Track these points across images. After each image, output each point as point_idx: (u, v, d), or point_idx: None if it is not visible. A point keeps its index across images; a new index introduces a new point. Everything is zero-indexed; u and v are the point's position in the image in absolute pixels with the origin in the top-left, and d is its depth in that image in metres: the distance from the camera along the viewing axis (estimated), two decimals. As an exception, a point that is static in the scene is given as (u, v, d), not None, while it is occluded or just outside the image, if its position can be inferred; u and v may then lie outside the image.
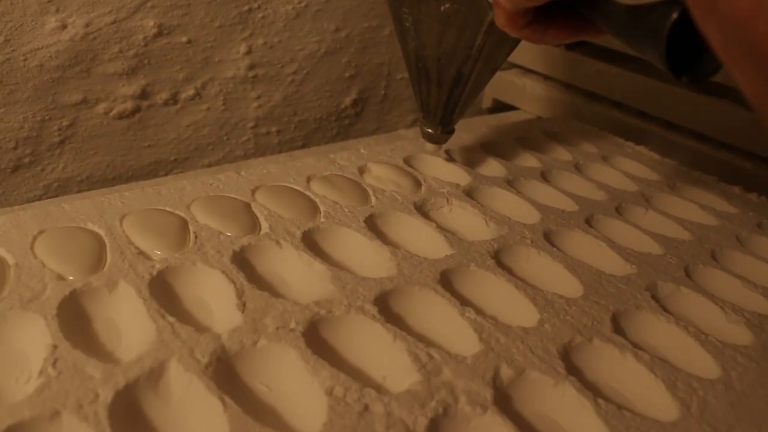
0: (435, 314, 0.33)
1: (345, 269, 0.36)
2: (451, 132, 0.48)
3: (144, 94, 0.58)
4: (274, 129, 0.68)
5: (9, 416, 0.24)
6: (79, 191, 0.59)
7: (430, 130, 0.48)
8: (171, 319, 0.30)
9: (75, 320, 0.30)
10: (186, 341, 0.29)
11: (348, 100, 0.71)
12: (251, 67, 0.63)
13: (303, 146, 0.71)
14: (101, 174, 0.59)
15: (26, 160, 0.55)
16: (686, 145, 0.60)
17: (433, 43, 0.43)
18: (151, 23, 0.55)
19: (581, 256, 0.40)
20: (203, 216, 0.38)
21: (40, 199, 0.57)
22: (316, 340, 0.30)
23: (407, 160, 0.50)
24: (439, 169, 0.50)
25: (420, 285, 0.34)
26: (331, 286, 0.33)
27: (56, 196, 0.58)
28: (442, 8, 0.41)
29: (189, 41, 0.58)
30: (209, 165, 0.66)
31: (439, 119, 0.47)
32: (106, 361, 0.28)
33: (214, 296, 0.33)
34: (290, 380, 0.28)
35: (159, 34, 0.56)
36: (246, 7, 0.60)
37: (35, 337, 0.29)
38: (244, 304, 0.31)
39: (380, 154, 0.50)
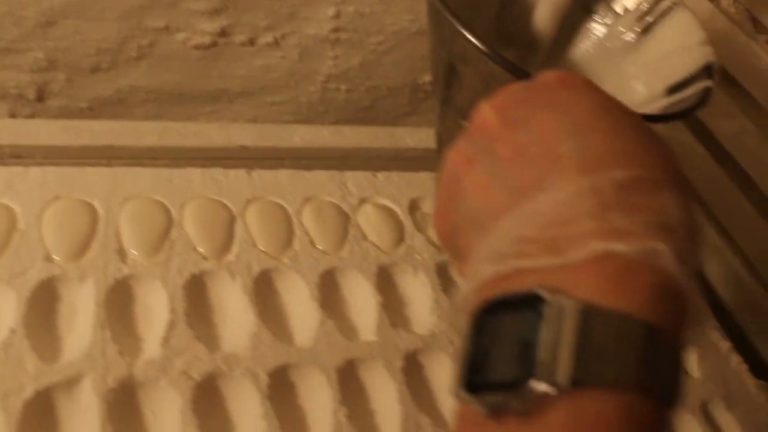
0: (314, 401, 0.41)
1: (275, 318, 0.44)
2: None
3: (223, 33, 0.65)
4: (343, 87, 0.73)
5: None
6: (146, 99, 0.68)
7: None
8: (107, 333, 0.40)
9: (43, 301, 0.41)
10: (107, 360, 0.39)
11: (428, 78, 0.75)
12: (335, 29, 0.67)
13: (370, 108, 0.76)
14: (169, 90, 0.68)
15: (104, 65, 0.64)
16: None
17: (449, 139, 0.47)
18: (243, -26, 0.61)
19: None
20: (189, 222, 0.47)
21: (111, 97, 0.67)
22: (206, 395, 0.39)
23: (415, 202, 0.55)
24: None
25: (320, 369, 0.42)
26: (248, 342, 0.42)
27: (126, 98, 0.68)
28: (461, 122, 0.45)
29: (277, -5, 0.63)
30: (272, 104, 0.73)
31: None
32: (51, 349, 0.39)
33: (157, 312, 0.43)
34: (169, 423, 0.38)
35: (248, -15, 0.62)
36: (343, -26, 0.64)
37: (5, 313, 0.40)
38: (168, 340, 0.41)
39: (391, 187, 0.56)
